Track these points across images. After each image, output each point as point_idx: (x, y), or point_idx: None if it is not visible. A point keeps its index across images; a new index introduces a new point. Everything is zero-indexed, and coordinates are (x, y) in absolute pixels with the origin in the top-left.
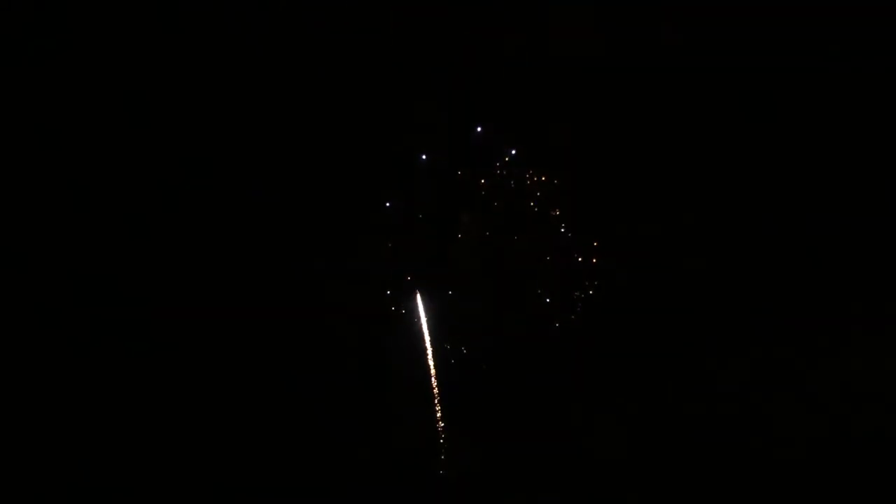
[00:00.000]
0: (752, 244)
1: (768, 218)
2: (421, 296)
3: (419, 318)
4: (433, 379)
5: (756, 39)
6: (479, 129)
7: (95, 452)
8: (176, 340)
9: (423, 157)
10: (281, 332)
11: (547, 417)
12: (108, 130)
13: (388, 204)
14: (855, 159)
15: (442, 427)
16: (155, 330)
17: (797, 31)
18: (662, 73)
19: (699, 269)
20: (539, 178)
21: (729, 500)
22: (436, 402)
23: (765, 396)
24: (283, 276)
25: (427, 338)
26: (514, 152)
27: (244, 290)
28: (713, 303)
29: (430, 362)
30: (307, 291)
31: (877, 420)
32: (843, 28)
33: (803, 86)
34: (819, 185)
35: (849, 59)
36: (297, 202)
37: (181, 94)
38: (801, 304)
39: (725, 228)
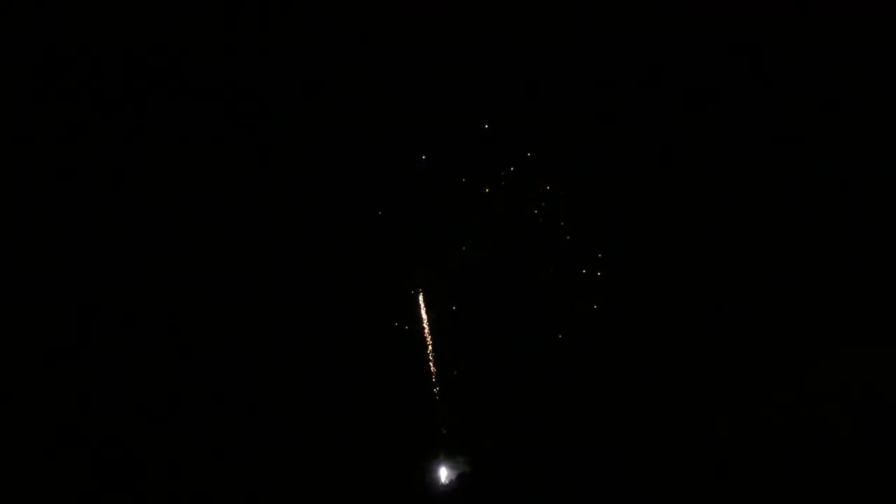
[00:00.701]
0: (757, 253)
1: (775, 227)
2: (423, 303)
3: (421, 325)
4: (434, 387)
5: (770, 41)
6: (485, 128)
7: (92, 451)
8: (170, 345)
9: (423, 157)
10: (280, 335)
11: (549, 425)
12: (107, 130)
13: (379, 212)
14: (854, 160)
15: (443, 434)
16: (153, 331)
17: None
18: (670, 81)
19: (704, 279)
20: (544, 186)
21: None
22: (437, 408)
23: (767, 400)
24: (281, 279)
25: (429, 345)
26: (523, 158)
27: (243, 292)
28: (717, 313)
29: (432, 369)
30: (306, 295)
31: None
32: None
33: (812, 90)
34: (829, 191)
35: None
36: (295, 204)
37: (179, 94)
38: (804, 308)
39: (730, 238)
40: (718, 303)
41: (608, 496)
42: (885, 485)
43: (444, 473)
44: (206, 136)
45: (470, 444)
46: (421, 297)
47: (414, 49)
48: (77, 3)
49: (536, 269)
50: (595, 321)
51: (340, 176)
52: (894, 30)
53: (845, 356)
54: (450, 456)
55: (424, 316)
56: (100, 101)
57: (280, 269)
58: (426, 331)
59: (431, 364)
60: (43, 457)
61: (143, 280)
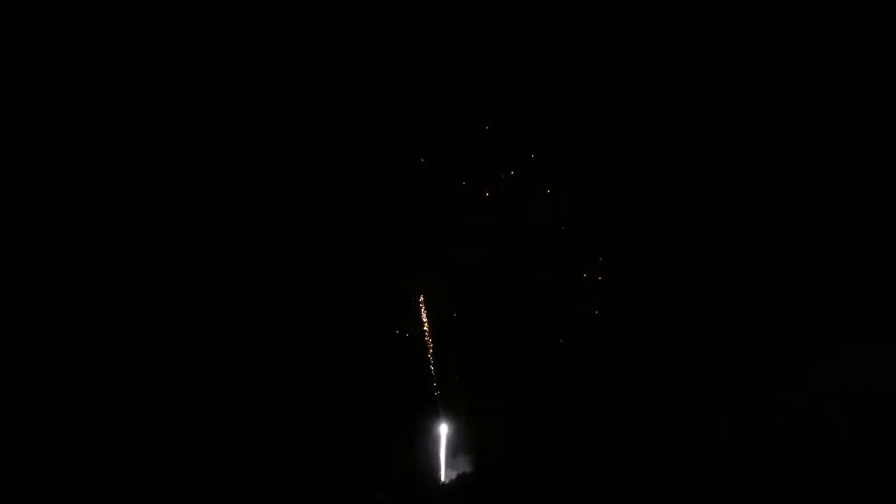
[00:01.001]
0: (757, 253)
1: (775, 227)
2: (423, 304)
3: (421, 326)
4: (435, 388)
5: (770, 41)
6: (485, 128)
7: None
8: (170, 345)
9: (422, 160)
10: (280, 336)
11: (550, 426)
12: (107, 130)
13: (378, 213)
14: (854, 160)
15: (443, 436)
16: (153, 331)
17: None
18: (670, 81)
19: (704, 279)
20: (545, 188)
21: None
22: (437, 411)
23: (767, 400)
24: (281, 280)
25: (429, 347)
26: (524, 159)
27: (242, 293)
28: (717, 313)
29: (433, 372)
30: (306, 297)
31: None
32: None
33: (812, 91)
34: (829, 191)
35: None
36: (295, 205)
37: (179, 94)
38: (804, 308)
39: (730, 238)
40: (718, 303)
41: (608, 496)
42: (885, 485)
43: (444, 473)
44: (207, 136)
45: (470, 445)
46: (421, 298)
47: (414, 49)
48: (77, 3)
49: (537, 271)
50: (595, 322)
51: (340, 176)
52: (894, 30)
53: (845, 356)
54: (450, 455)
55: (425, 317)
56: (100, 101)
57: (280, 271)
58: (426, 332)
59: (432, 365)
60: (43, 457)
61: (143, 280)
